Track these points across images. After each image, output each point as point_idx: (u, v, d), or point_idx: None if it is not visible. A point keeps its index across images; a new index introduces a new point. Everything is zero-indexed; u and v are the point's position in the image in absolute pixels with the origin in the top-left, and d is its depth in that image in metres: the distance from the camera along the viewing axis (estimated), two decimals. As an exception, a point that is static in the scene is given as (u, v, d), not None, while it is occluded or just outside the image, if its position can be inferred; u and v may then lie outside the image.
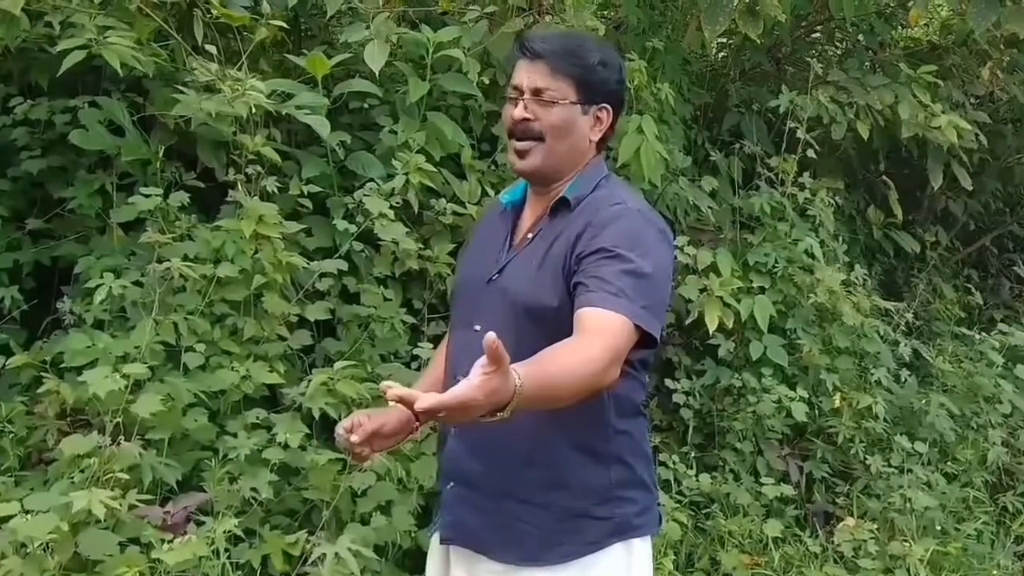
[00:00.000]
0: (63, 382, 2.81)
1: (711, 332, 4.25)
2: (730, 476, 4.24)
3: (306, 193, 3.59)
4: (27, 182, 3.56)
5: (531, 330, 1.93)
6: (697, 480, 4.02)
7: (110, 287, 2.88)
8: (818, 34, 6.26)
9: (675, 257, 2.05)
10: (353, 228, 3.43)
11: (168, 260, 3.01)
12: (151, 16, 3.40)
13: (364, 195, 3.51)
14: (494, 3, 4.29)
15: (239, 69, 3.73)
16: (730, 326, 4.27)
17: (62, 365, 2.97)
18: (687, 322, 4.34)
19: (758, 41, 4.70)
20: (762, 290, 4.51)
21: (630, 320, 1.82)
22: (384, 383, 1.57)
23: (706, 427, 4.45)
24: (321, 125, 3.50)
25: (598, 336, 1.79)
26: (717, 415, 4.41)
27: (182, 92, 3.32)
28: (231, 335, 3.17)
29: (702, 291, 4.27)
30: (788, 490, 4.08)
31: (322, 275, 3.39)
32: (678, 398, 4.34)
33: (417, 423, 2.23)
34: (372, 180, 3.74)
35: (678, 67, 5.07)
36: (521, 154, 2.05)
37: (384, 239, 3.50)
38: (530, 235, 2.05)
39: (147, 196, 3.14)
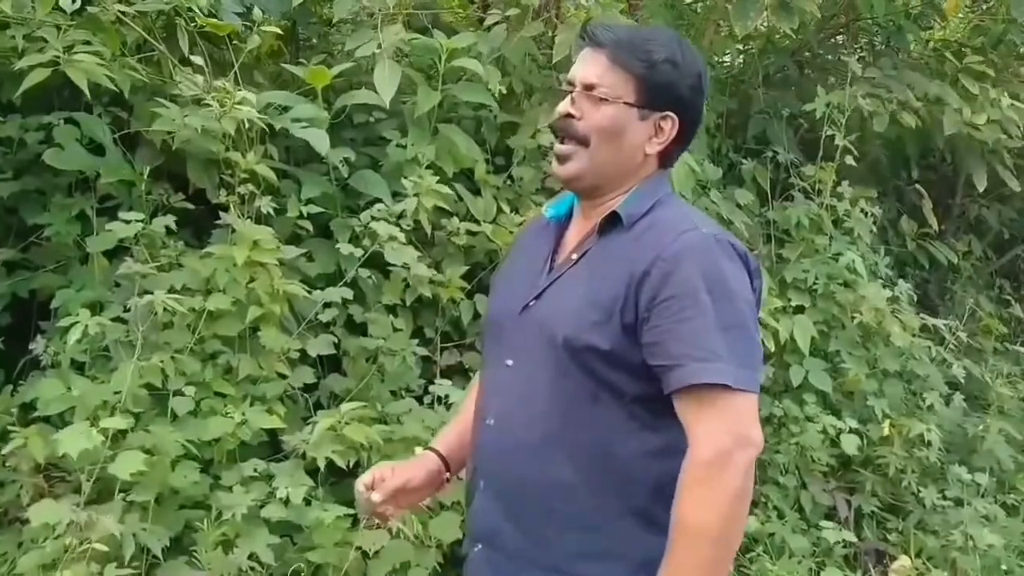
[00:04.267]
0: (35, 435, 2.45)
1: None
2: (774, 513, 3.88)
3: (305, 215, 3.25)
4: (0, 207, 3.23)
5: (573, 372, 1.61)
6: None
7: (85, 325, 2.53)
8: (843, 36, 5.94)
9: (760, 283, 1.70)
10: (359, 252, 3.08)
11: (151, 293, 2.65)
12: (130, 26, 3.07)
13: (372, 217, 3.16)
14: (511, 6, 3.98)
15: (231, 81, 3.42)
16: (772, 348, 3.92)
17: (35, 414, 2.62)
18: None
19: (793, 36, 4.37)
20: (801, 309, 4.17)
21: (734, 387, 1.52)
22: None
23: (745, 459, 4.09)
24: (319, 140, 3.17)
25: (709, 449, 1.50)
26: (757, 447, 4.04)
27: (164, 106, 2.98)
28: (225, 375, 2.83)
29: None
30: (850, 536, 3.70)
31: (326, 305, 3.05)
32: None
33: (448, 475, 1.92)
34: (379, 200, 3.41)
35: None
36: (561, 158, 1.72)
37: (394, 264, 3.15)
38: (575, 256, 1.71)
39: (127, 222, 2.79)
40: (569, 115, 1.70)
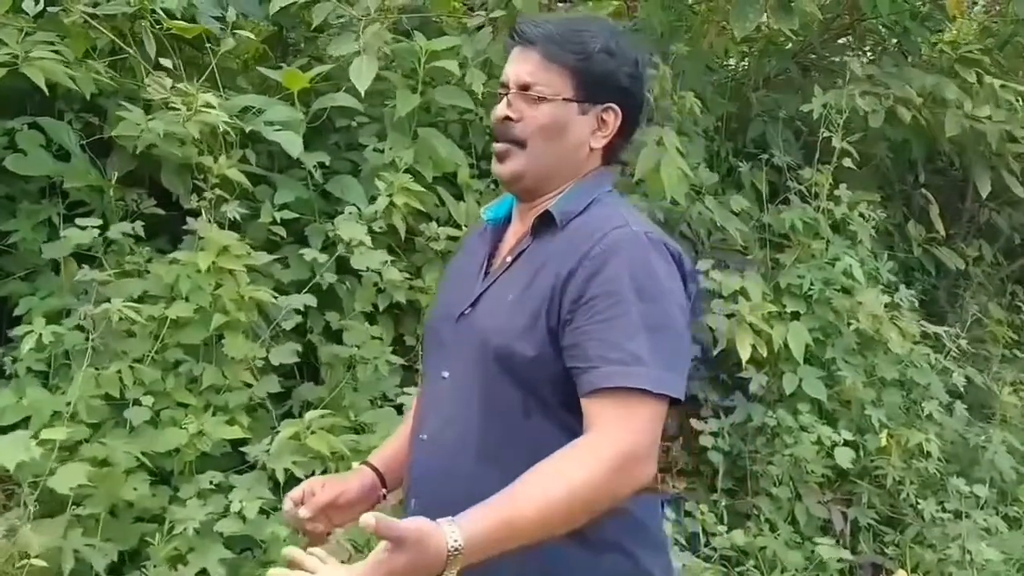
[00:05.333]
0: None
1: (743, 363, 3.79)
2: (766, 526, 3.77)
3: (278, 220, 3.18)
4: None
5: (505, 384, 1.53)
6: (728, 534, 3.55)
7: (39, 334, 2.46)
8: (848, 38, 5.83)
9: (696, 288, 1.61)
10: (324, 257, 3.01)
11: (110, 300, 2.59)
12: (98, 29, 3.02)
13: (342, 220, 3.09)
14: (499, 7, 3.90)
15: (202, 85, 3.37)
16: (764, 355, 3.81)
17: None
18: (714, 353, 3.89)
19: (793, 38, 4.27)
20: (796, 316, 4.05)
21: (653, 391, 1.42)
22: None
23: (737, 471, 3.98)
24: (291, 143, 3.10)
25: (602, 438, 1.40)
26: (749, 457, 3.94)
27: (130, 111, 2.92)
28: (189, 384, 2.76)
29: (729, 317, 3.82)
30: (846, 554, 3.58)
31: (295, 312, 2.97)
32: (705, 440, 3.88)
33: (384, 491, 1.83)
34: (354, 205, 3.34)
35: (700, 75, 4.65)
36: (500, 156, 1.64)
37: (362, 269, 3.07)
38: (509, 259, 1.63)
39: (84, 228, 2.72)
40: (507, 118, 1.62)
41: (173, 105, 2.92)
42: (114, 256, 3.06)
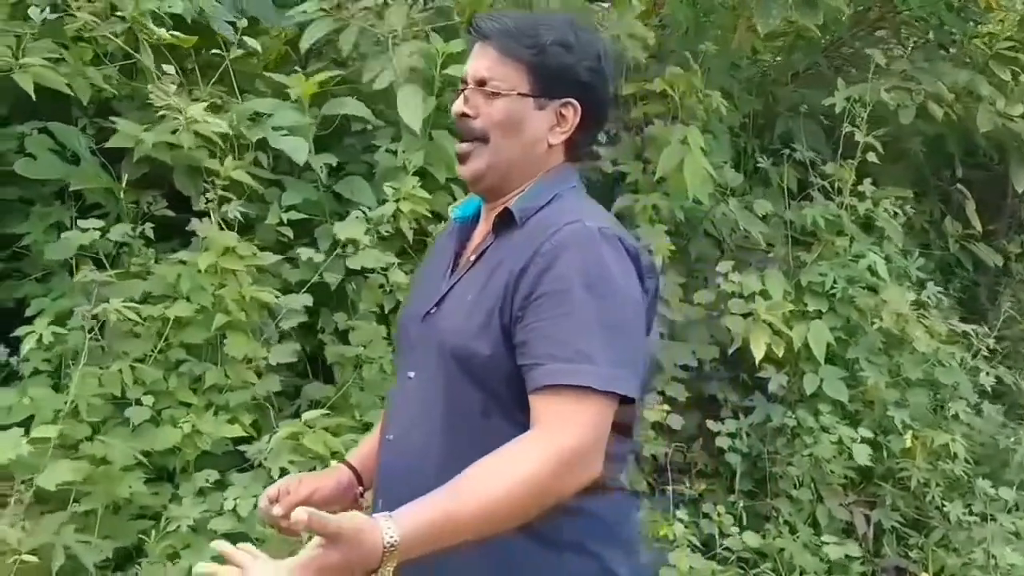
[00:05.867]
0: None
1: (757, 363, 3.73)
2: (785, 528, 3.70)
3: (285, 222, 3.21)
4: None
5: (464, 384, 1.52)
6: (741, 535, 3.49)
7: (40, 334, 2.51)
8: (883, 32, 5.70)
9: (656, 285, 1.59)
10: (320, 258, 3.03)
11: (111, 301, 2.63)
12: (106, 37, 3.07)
13: (346, 222, 3.11)
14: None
15: (216, 88, 3.42)
16: (780, 355, 3.75)
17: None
18: (731, 352, 3.83)
19: (817, 34, 4.20)
20: (819, 314, 3.97)
21: (599, 389, 1.40)
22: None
23: (757, 472, 3.92)
24: (296, 148, 3.12)
25: (544, 434, 1.39)
26: (769, 458, 3.87)
27: (133, 119, 2.97)
28: (193, 383, 2.79)
29: (746, 316, 3.76)
30: (853, 549, 3.51)
31: (306, 311, 3.00)
32: (722, 441, 3.82)
33: (360, 488, 1.83)
34: (366, 207, 3.36)
35: (726, 72, 4.58)
36: (462, 157, 1.64)
37: (371, 270, 3.09)
38: (472, 258, 1.62)
39: (85, 230, 2.78)
40: (464, 114, 1.61)
41: (171, 115, 2.96)
42: (127, 257, 3.12)
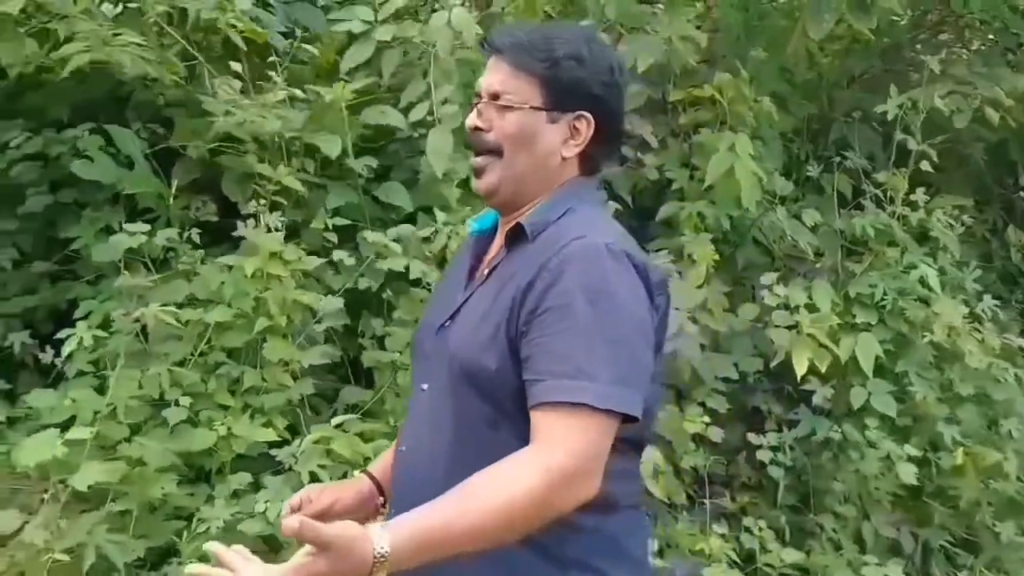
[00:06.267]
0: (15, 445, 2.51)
1: (801, 376, 3.66)
2: (828, 545, 3.63)
3: (331, 227, 3.25)
4: (42, 220, 3.37)
5: (470, 396, 1.52)
6: (781, 552, 3.42)
7: (81, 337, 2.58)
8: (945, 35, 5.55)
9: (667, 301, 1.57)
10: (353, 262, 3.06)
11: (154, 304, 2.69)
12: (171, 36, 3.15)
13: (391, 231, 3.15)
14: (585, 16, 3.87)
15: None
16: (823, 370, 3.67)
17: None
18: (773, 363, 3.76)
19: (871, 39, 4.11)
20: (867, 327, 3.88)
21: (598, 407, 1.39)
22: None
23: (801, 486, 3.84)
24: (329, 144, 3.16)
25: (540, 450, 1.39)
26: (813, 473, 3.80)
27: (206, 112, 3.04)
28: (232, 386, 2.84)
29: (790, 328, 3.69)
30: (897, 571, 3.42)
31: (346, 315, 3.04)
32: (764, 454, 3.75)
33: (381, 499, 1.84)
34: (402, 210, 3.40)
35: (778, 76, 4.51)
36: (477, 171, 1.64)
37: (399, 275, 3.12)
38: (486, 271, 1.63)
39: (132, 233, 2.84)
40: (478, 128, 1.61)
41: (232, 109, 3.02)
42: (177, 261, 3.19)
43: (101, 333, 2.68)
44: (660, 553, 3.26)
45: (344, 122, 3.39)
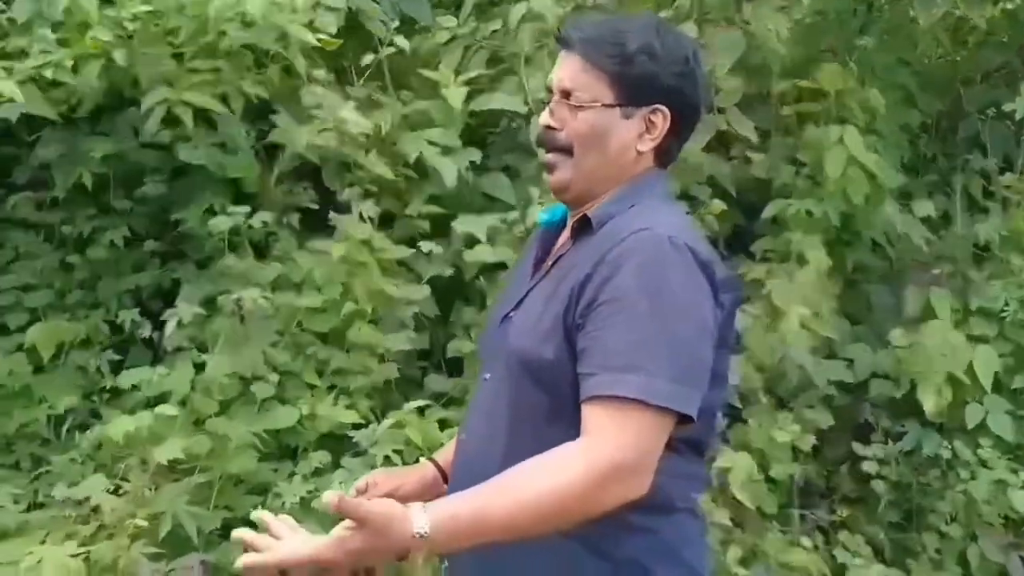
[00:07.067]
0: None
1: (922, 402, 3.50)
2: (929, 566, 3.45)
3: (422, 215, 3.30)
4: (156, 204, 3.55)
5: (529, 388, 1.51)
6: (874, 568, 3.28)
7: (179, 317, 2.71)
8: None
9: (733, 298, 1.53)
10: (438, 251, 3.09)
11: (252, 287, 2.81)
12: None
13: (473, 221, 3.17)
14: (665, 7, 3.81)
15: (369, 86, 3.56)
16: (946, 397, 3.49)
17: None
18: (899, 393, 3.61)
19: (983, 28, 3.88)
20: (986, 339, 3.67)
21: (650, 402, 1.36)
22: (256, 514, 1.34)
23: (906, 503, 3.67)
24: (446, 169, 3.21)
25: (587, 444, 1.37)
26: (919, 490, 3.62)
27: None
28: (320, 366, 2.93)
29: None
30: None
31: (415, 302, 3.09)
32: (869, 466, 3.60)
33: (446, 487, 1.86)
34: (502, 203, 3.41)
35: (895, 68, 4.29)
36: (549, 168, 1.62)
37: (493, 267, 3.13)
38: (550, 262, 1.62)
39: (229, 215, 2.97)
40: (550, 127, 1.60)
41: (321, 115, 3.12)
42: (279, 244, 3.31)
43: (201, 311, 2.80)
44: (744, 562, 3.17)
45: (454, 115, 3.43)
